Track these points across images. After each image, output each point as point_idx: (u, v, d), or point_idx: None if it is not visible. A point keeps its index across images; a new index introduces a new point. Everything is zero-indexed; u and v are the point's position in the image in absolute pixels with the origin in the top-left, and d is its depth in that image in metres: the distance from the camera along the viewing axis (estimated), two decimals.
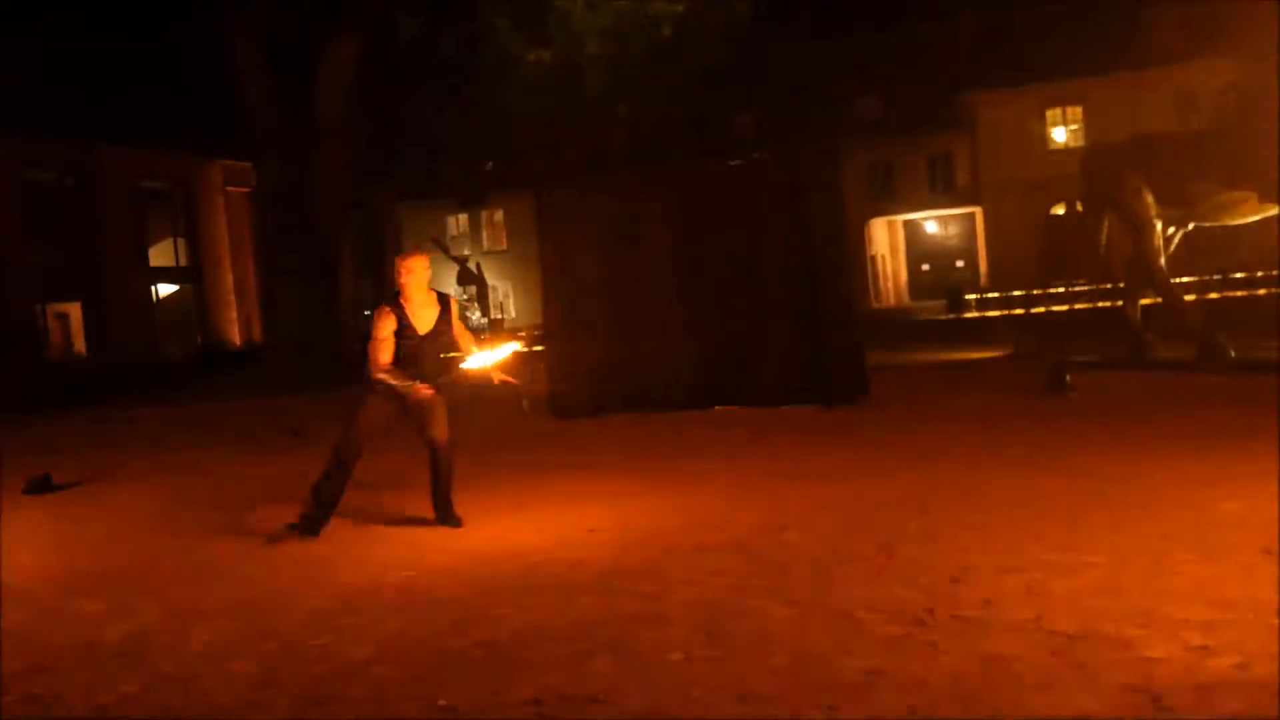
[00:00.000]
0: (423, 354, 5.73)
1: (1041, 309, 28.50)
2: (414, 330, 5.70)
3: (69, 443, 12.17)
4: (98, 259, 27.32)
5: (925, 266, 42.15)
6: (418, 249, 6.41)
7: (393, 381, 5.64)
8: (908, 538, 4.82)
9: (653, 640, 3.66)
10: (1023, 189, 35.91)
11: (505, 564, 5.00)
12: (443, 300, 5.86)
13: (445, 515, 5.91)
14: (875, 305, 38.07)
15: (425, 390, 5.66)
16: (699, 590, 4.24)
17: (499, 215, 42.49)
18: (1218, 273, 27.56)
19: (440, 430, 5.84)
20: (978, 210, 39.15)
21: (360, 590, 4.68)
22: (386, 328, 5.67)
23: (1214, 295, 24.31)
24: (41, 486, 8.41)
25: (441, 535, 5.73)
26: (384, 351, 5.67)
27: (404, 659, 3.70)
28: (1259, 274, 26.94)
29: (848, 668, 3.26)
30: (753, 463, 7.27)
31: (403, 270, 5.76)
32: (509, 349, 6.21)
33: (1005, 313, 28.81)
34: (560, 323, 10.90)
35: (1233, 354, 10.62)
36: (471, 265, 42.35)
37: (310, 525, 5.86)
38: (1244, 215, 11.37)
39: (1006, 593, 3.87)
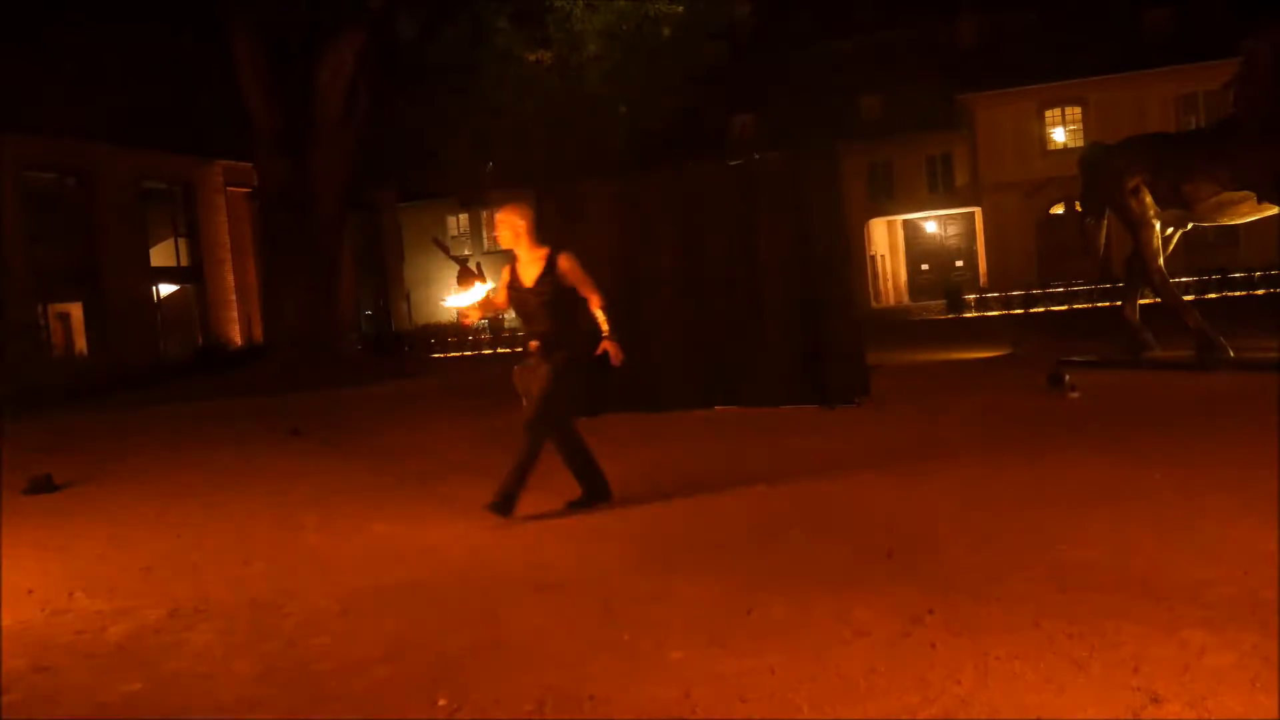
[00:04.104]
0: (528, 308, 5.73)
1: (1041, 309, 28.54)
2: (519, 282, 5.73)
3: (70, 442, 12.18)
4: (98, 259, 27.34)
5: (925, 266, 42.19)
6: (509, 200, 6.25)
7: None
8: (908, 537, 4.83)
9: (653, 640, 3.67)
10: (1022, 189, 35.94)
11: (506, 563, 5.01)
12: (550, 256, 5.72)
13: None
14: (875, 305, 38.10)
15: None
16: (699, 589, 4.24)
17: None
18: (1217, 272, 27.61)
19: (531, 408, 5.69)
20: (977, 210, 39.19)
21: (361, 590, 4.69)
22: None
23: (1213, 295, 24.35)
24: (43, 486, 8.42)
25: (442, 535, 5.74)
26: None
27: (404, 659, 3.71)
28: (1258, 274, 27.00)
29: (848, 668, 3.26)
30: (753, 463, 7.28)
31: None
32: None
33: (1005, 313, 28.85)
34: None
35: (1231, 354, 10.63)
36: (472, 265, 42.36)
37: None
38: (1243, 215, 11.37)
39: (1006, 593, 3.88)
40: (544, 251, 5.70)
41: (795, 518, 5.45)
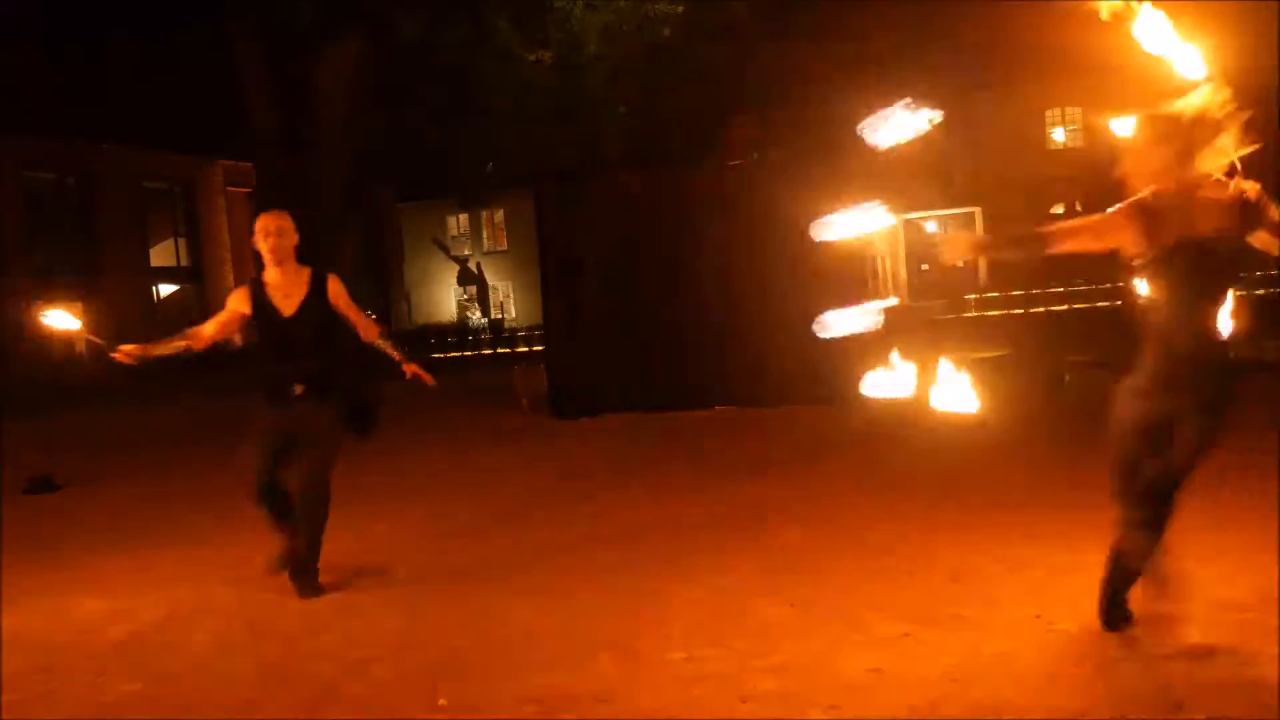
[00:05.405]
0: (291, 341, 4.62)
1: (1042, 309, 28.54)
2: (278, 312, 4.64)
3: (70, 442, 12.18)
4: (98, 259, 27.34)
5: (925, 266, 42.13)
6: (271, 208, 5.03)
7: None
8: (908, 537, 4.83)
9: (653, 640, 3.67)
10: (1023, 189, 35.92)
11: (506, 563, 5.01)
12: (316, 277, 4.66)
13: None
14: None
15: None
16: (699, 589, 4.24)
17: (499, 215, 42.50)
18: None
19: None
20: (977, 210, 39.17)
21: (361, 590, 4.69)
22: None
23: None
24: (43, 486, 8.42)
25: (441, 535, 5.73)
26: None
27: (404, 659, 3.71)
28: (1258, 274, 26.96)
29: (848, 667, 3.26)
30: (753, 462, 7.28)
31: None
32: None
33: (1005, 312, 28.85)
34: (560, 322, 10.91)
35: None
36: (471, 265, 42.39)
37: None
38: None
39: (1006, 593, 3.87)
40: (307, 274, 4.65)
41: (795, 517, 5.44)
